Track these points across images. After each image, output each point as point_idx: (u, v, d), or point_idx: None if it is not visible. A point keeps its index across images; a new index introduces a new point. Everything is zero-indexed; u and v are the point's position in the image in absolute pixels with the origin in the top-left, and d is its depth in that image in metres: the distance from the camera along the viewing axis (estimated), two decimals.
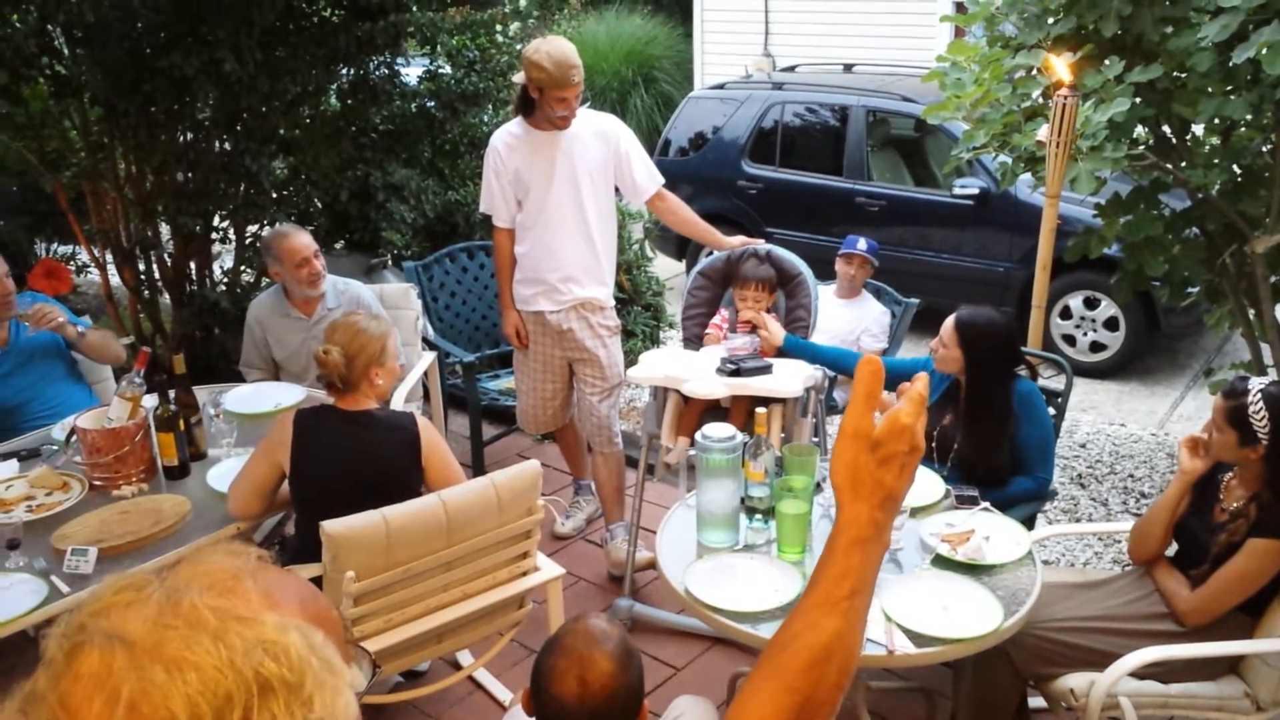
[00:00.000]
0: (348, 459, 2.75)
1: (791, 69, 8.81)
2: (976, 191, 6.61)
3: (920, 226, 7.03)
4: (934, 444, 3.32)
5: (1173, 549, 2.84)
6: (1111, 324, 6.38)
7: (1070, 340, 6.52)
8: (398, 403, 3.81)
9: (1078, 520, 4.46)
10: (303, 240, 3.81)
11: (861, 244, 4.99)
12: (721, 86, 8.36)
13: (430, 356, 4.29)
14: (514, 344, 3.89)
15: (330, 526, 2.44)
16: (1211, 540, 2.64)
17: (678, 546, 2.76)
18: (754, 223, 7.51)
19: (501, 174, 3.63)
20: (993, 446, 3.21)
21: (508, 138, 3.63)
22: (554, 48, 3.38)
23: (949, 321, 3.27)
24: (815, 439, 3.88)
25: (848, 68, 8.41)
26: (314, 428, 2.78)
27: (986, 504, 2.89)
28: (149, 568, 0.75)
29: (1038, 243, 3.80)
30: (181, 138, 4.75)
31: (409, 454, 2.79)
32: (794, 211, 7.47)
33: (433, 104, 4.91)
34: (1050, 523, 4.34)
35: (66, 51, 4.36)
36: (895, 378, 3.54)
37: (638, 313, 5.94)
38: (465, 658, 3.34)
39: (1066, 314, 6.50)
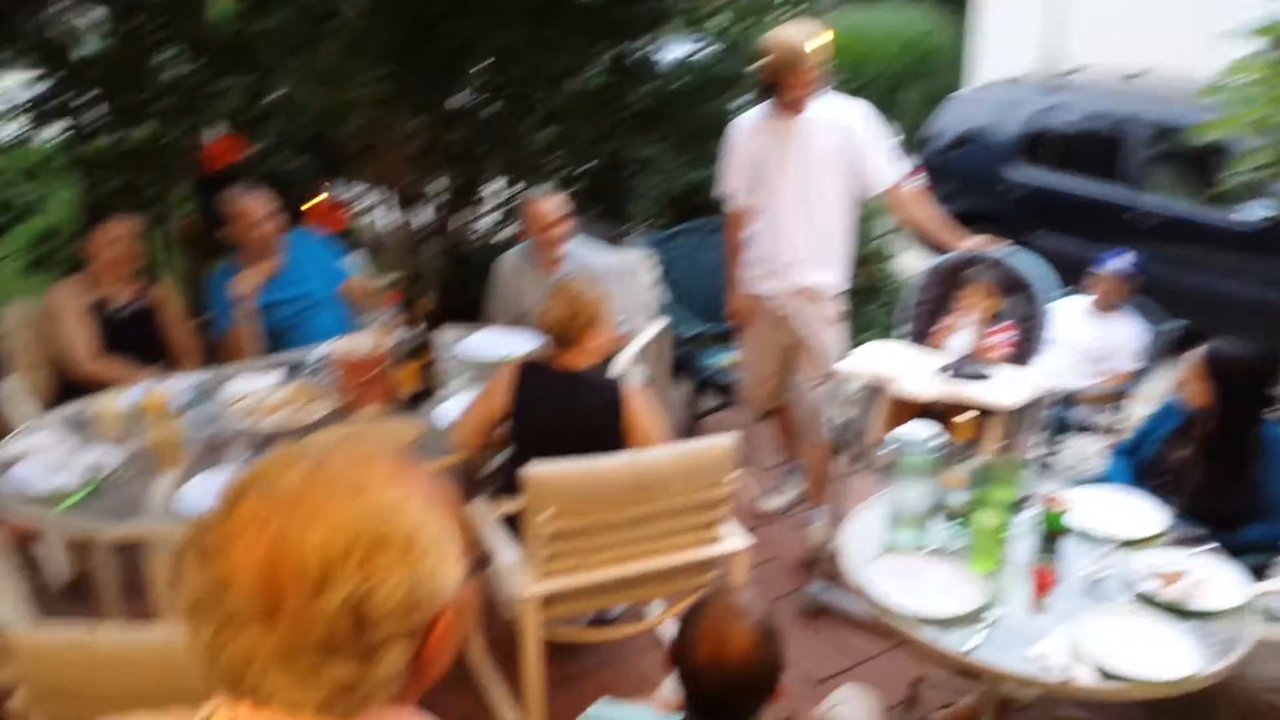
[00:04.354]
0: (556, 412, 2.92)
1: (1071, 71, 8.34)
2: (1267, 215, 6.05)
3: (1199, 247, 6.51)
4: (1168, 478, 3.12)
5: None
6: None
7: None
8: (622, 366, 3.97)
9: None
10: (551, 206, 4.03)
11: (1119, 262, 4.69)
12: (992, 85, 8.06)
13: (659, 325, 4.42)
14: (735, 324, 3.96)
15: (532, 468, 2.61)
16: None
17: (864, 540, 2.75)
18: (1015, 225, 7.17)
19: (739, 156, 3.70)
20: (1231, 488, 3.00)
21: (748, 121, 3.69)
22: (789, 34, 3.43)
23: (1199, 353, 3.06)
24: (1040, 454, 3.73)
25: (1133, 74, 7.88)
26: (531, 379, 2.97)
27: (1210, 545, 2.70)
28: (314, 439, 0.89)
29: None
30: (455, 100, 5.10)
31: (612, 414, 2.93)
32: (1060, 218, 7.09)
33: (691, 84, 5.04)
34: None
35: (360, 11, 4.77)
36: (1140, 443, 3.30)
37: (877, 307, 5.84)
38: (659, 608, 3.44)
39: None
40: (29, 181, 4.64)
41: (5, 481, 2.87)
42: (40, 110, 4.55)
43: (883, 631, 3.41)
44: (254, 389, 3.41)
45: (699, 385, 4.63)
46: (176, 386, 3.38)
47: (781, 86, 3.46)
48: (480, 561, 1.09)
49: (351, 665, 0.82)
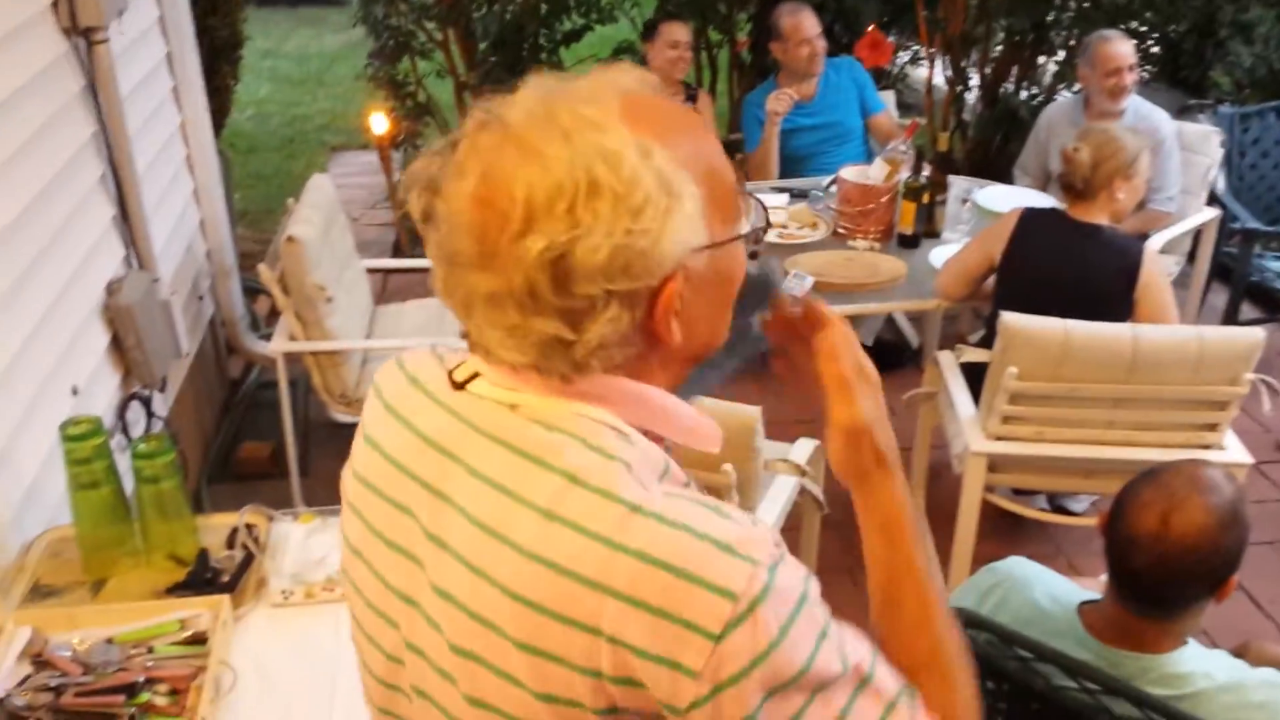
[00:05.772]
0: (1059, 266, 2.67)
1: None
2: None
3: None
4: None
5: None
6: None
7: None
8: (1154, 247, 3.53)
9: None
10: (1121, 49, 3.60)
11: None
12: None
13: (1211, 214, 3.85)
14: None
15: (1009, 317, 2.44)
16: None
17: None
18: None
19: None
20: None
21: None
22: None
23: None
24: None
25: None
26: (1036, 228, 2.74)
27: None
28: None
29: None
30: None
31: (1123, 281, 2.62)
32: None
33: None
34: None
35: None
36: None
37: None
38: None
39: None
40: None
41: None
42: None
43: None
44: None
45: (1243, 291, 4.00)
46: None
47: None
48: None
49: (555, 323, 0.75)
